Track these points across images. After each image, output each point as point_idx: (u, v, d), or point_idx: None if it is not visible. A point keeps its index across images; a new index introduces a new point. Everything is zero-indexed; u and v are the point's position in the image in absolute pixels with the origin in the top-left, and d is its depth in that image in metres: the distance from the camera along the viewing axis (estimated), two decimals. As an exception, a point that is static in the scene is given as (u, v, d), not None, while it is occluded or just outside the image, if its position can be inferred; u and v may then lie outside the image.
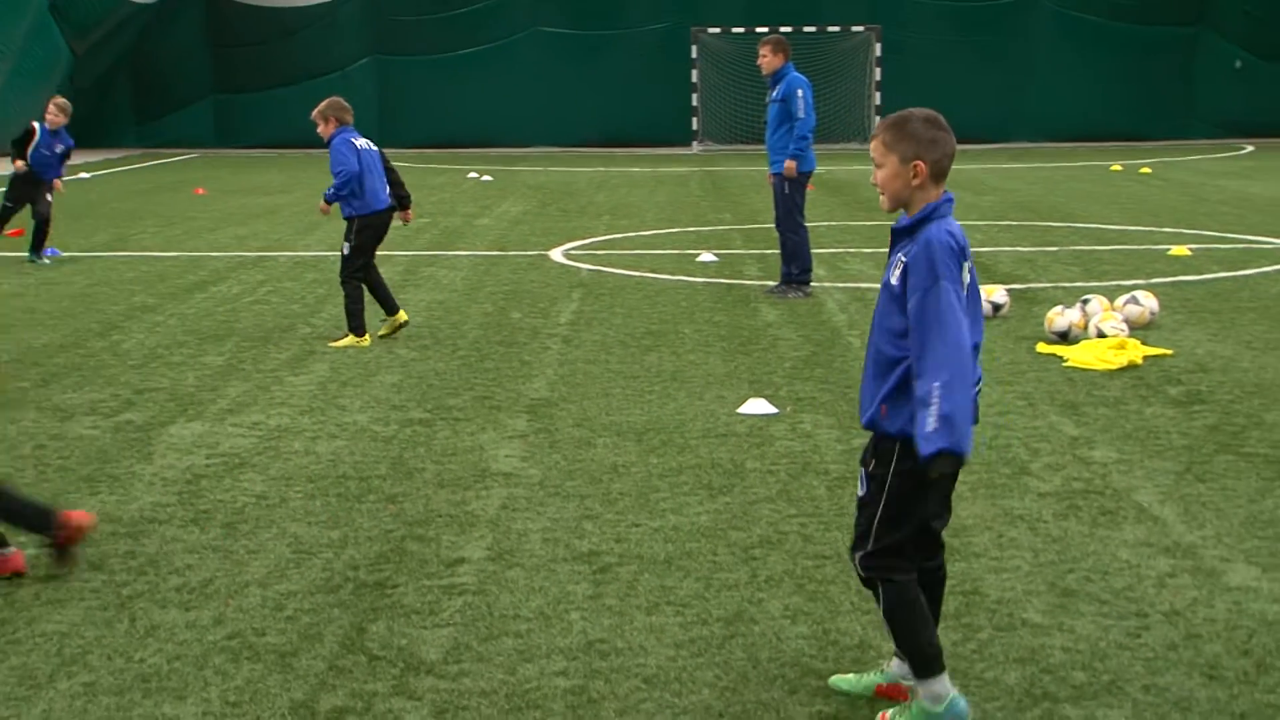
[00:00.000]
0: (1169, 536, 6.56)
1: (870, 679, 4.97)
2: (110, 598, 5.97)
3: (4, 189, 17.35)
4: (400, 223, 12.45)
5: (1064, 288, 14.07)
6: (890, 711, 4.72)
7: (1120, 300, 11.93)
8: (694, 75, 39.86)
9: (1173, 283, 14.09)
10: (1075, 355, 10.60)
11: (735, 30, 39.94)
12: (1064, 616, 5.60)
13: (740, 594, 5.91)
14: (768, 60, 13.77)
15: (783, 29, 39.54)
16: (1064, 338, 11.22)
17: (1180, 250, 16.51)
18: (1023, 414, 8.99)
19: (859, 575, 4.75)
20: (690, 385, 9.94)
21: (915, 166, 4.55)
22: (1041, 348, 11.01)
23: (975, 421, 4.53)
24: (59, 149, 17.19)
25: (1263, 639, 5.35)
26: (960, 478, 7.55)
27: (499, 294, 14.27)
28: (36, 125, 17.09)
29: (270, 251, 18.08)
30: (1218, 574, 6.05)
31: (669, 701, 4.91)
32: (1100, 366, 10.27)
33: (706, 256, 16.68)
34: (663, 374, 10.32)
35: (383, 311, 11.90)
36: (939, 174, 4.59)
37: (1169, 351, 10.79)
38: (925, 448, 4.40)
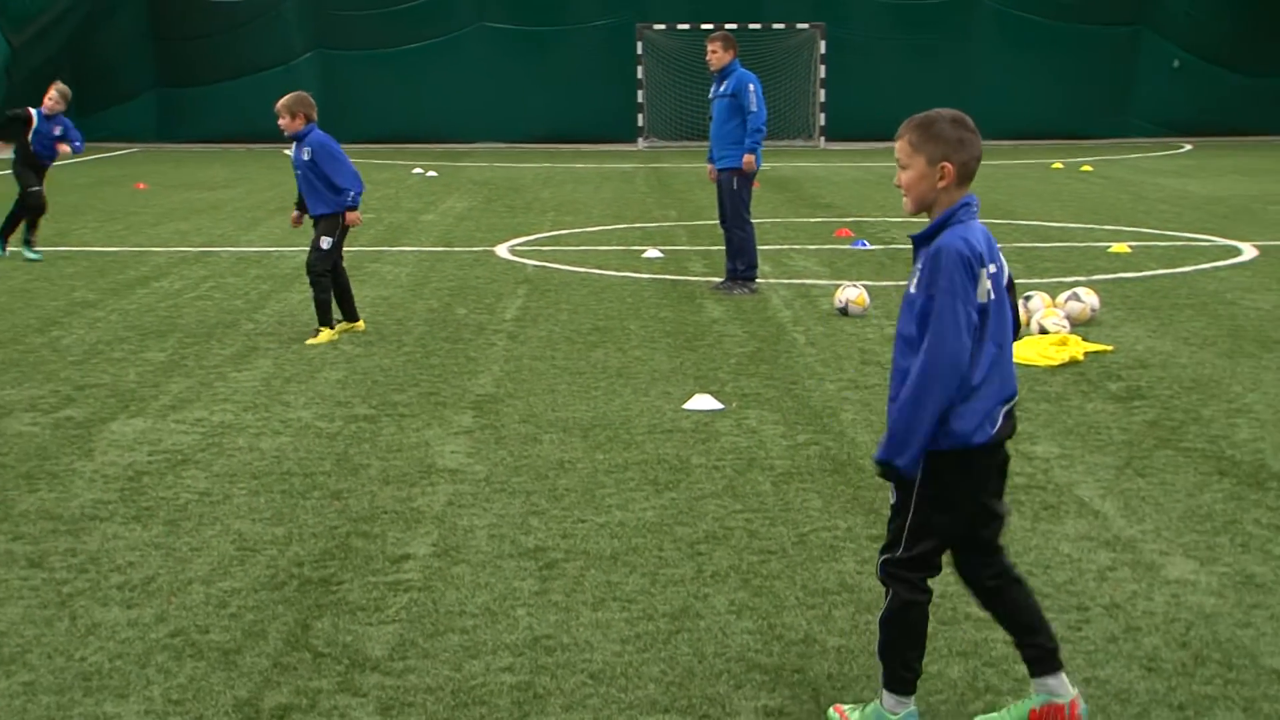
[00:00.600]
0: (1109, 530, 6.63)
1: (1021, 708, 4.64)
2: (50, 596, 5.91)
3: (28, 187, 16.64)
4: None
5: (1006, 284, 14.16)
6: (848, 707, 4.73)
7: (1062, 297, 12.04)
8: (639, 72, 39.87)
9: (1113, 279, 14.23)
10: (1017, 351, 10.61)
11: (680, 27, 39.99)
12: (1006, 610, 5.64)
13: (686, 589, 5.92)
14: (718, 56, 13.80)
15: (728, 26, 39.63)
16: (1006, 334, 11.29)
17: (1120, 248, 16.68)
18: (966, 410, 9.04)
19: (878, 576, 4.66)
20: (636, 381, 9.95)
21: (943, 168, 4.46)
22: (984, 344, 11.07)
23: (1010, 435, 4.50)
24: (57, 132, 16.85)
25: (1200, 631, 5.42)
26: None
27: (444, 290, 14.23)
28: (33, 111, 16.77)
29: (213, 247, 17.95)
30: (1157, 567, 6.12)
31: (615, 697, 4.92)
32: (1042, 362, 10.36)
33: (652, 253, 16.70)
34: (608, 370, 10.33)
35: (340, 314, 11.82)
36: (966, 176, 4.50)
37: (1109, 348, 10.90)
38: (877, 450, 4.47)
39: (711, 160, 14.32)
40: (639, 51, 39.90)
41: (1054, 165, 31.43)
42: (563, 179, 28.56)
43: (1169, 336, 11.45)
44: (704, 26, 39.77)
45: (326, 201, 11.63)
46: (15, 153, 16.91)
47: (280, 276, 15.30)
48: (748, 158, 13.71)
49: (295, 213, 12.13)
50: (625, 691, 4.96)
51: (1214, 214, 20.80)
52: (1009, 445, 4.62)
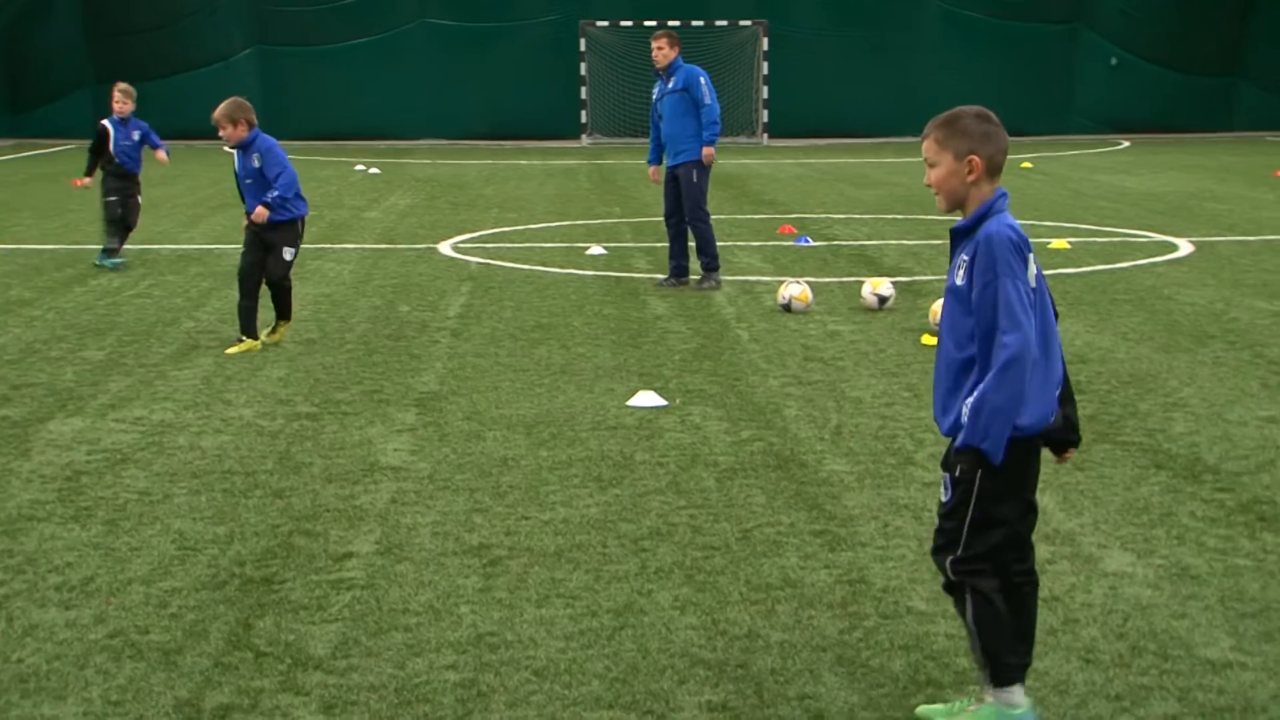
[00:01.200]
0: (1049, 524, 6.70)
1: (964, 704, 4.71)
2: (-12, 597, 5.85)
3: (105, 197, 15.87)
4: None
5: (947, 280, 14.26)
6: (943, 708, 4.67)
7: (1002, 293, 12.11)
8: (583, 68, 39.84)
9: (1052, 275, 14.35)
10: (958, 347, 10.73)
11: (624, 24, 39.99)
12: (948, 604, 5.66)
13: (630, 585, 5.93)
14: (664, 52, 13.80)
15: (671, 22, 39.63)
16: (947, 330, 11.37)
17: (1060, 243, 16.83)
18: (908, 405, 9.11)
19: (946, 579, 4.57)
20: (580, 378, 9.95)
21: (971, 162, 4.50)
22: (926, 339, 11.16)
23: (1050, 419, 4.47)
24: (136, 136, 16.13)
25: (1137, 623, 5.49)
26: (847, 468, 7.69)
27: (387, 287, 14.18)
28: (107, 122, 16.02)
29: (152, 245, 17.79)
30: (1095, 560, 6.19)
31: (559, 693, 4.92)
32: (983, 358, 10.42)
33: (596, 249, 16.70)
34: (552, 367, 10.33)
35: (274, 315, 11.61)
36: (994, 169, 4.53)
37: (1049, 343, 10.98)
38: (959, 439, 4.42)
39: (653, 161, 14.34)
40: (582, 48, 39.87)
41: (994, 162, 31.59)
42: (506, 176, 28.50)
43: (1107, 331, 11.57)
44: (647, 23, 39.81)
45: (289, 209, 11.38)
46: (102, 169, 16.02)
47: (221, 274, 15.19)
48: (708, 150, 13.77)
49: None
50: (569, 688, 4.96)
51: (1151, 210, 21.03)
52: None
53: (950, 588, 4.59)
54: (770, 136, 39.52)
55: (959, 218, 4.59)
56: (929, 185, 4.60)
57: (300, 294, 13.66)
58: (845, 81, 39.81)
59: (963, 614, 4.55)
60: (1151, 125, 40.82)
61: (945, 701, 4.81)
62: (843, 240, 17.80)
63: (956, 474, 4.47)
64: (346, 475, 7.60)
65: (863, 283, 13.05)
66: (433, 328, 11.95)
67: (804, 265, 15.50)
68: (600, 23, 40.14)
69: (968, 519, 4.46)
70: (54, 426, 8.70)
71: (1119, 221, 19.57)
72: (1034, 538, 6.50)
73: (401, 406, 9.15)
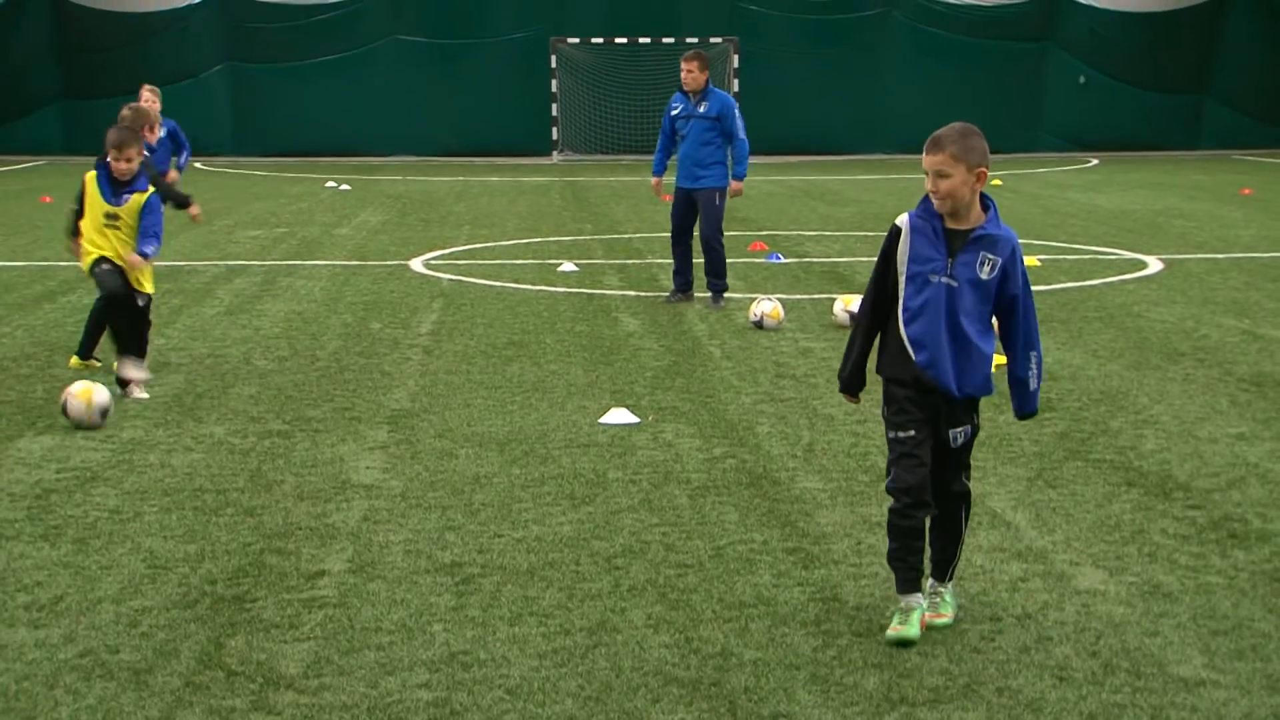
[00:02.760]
0: (1021, 541, 6.72)
1: (916, 615, 5.50)
2: (-44, 617, 5.80)
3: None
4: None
5: (919, 298, 14.30)
6: (928, 614, 5.58)
7: (973, 310, 12.17)
8: (554, 85, 39.88)
9: (1023, 293, 14.40)
10: (930, 364, 10.77)
11: (595, 41, 40.06)
12: (920, 621, 5.70)
13: (603, 604, 5.92)
14: (695, 76, 13.73)
15: (641, 40, 39.84)
16: (919, 347, 11.40)
17: (1030, 261, 16.89)
18: (880, 422, 9.10)
19: (967, 497, 5.75)
20: (552, 395, 9.94)
21: (979, 173, 5.36)
22: (897, 357, 11.18)
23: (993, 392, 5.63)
24: (161, 133, 16.01)
25: (1109, 640, 5.50)
26: (820, 486, 7.71)
27: (358, 304, 14.14)
28: None
29: (122, 261, 17.65)
30: (1067, 578, 6.20)
31: (532, 712, 4.90)
32: (954, 375, 10.46)
33: (567, 266, 16.70)
34: (524, 384, 10.31)
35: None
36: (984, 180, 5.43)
37: (1020, 360, 11.03)
38: (1028, 405, 5.65)
39: (658, 173, 14.37)
40: (553, 65, 39.92)
41: (964, 180, 31.75)
42: (477, 192, 28.49)
43: (1078, 349, 11.62)
44: (618, 40, 39.95)
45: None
46: None
47: (191, 291, 15.14)
48: (739, 186, 13.97)
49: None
50: (543, 707, 4.95)
51: (1121, 228, 21.15)
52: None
53: (954, 506, 5.69)
54: (741, 154, 39.57)
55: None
56: (934, 192, 5.39)
57: (271, 311, 13.63)
58: (815, 99, 39.94)
59: (964, 518, 5.75)
60: (1120, 143, 41.09)
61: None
62: (814, 257, 17.84)
63: (975, 424, 5.67)
64: (318, 493, 7.57)
65: (834, 300, 13.08)
66: (404, 345, 11.92)
67: (776, 282, 15.52)
68: (571, 40, 40.20)
69: (971, 446, 5.69)
70: (23, 444, 8.64)
71: (1089, 239, 19.68)
72: (1006, 556, 6.55)
73: (373, 424, 9.13)
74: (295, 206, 25.14)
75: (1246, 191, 27.47)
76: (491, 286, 15.33)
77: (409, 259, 17.66)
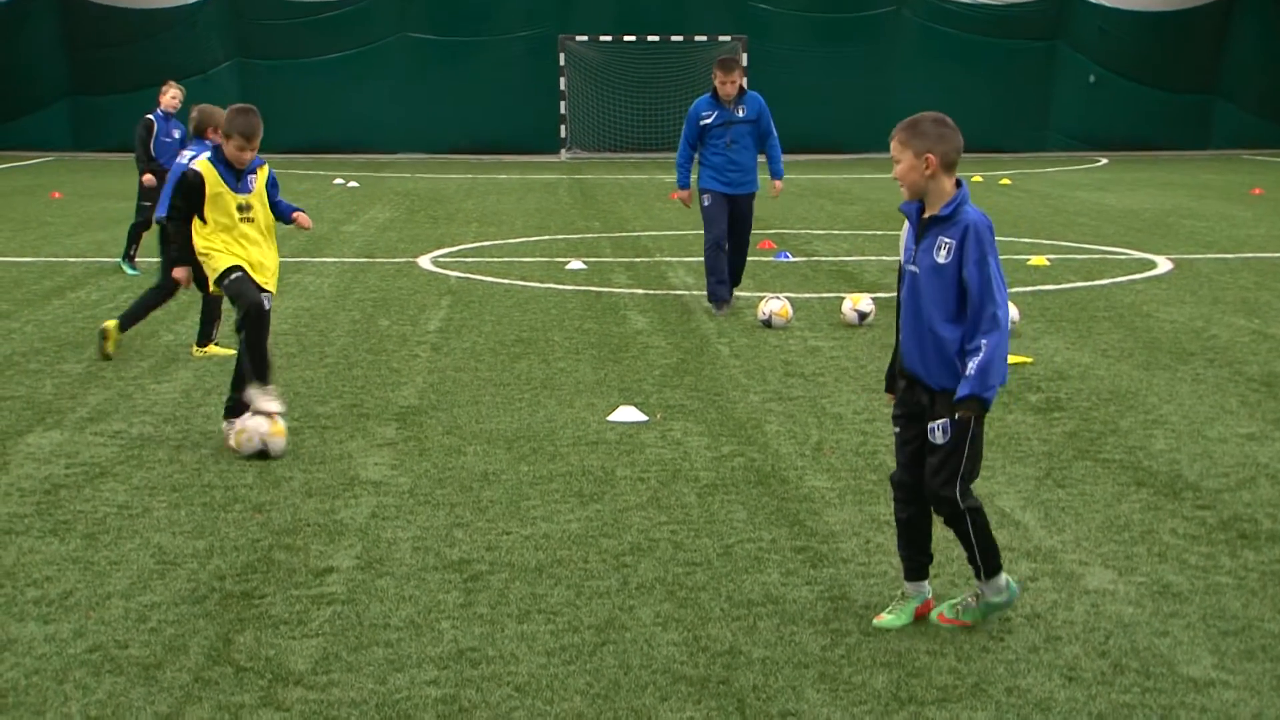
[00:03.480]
0: (1030, 541, 6.71)
1: (909, 606, 5.65)
2: (-35, 611, 5.81)
3: (143, 201, 15.95)
4: None
5: (927, 297, 14.29)
6: (945, 609, 5.61)
7: (982, 309, 12.15)
8: (562, 83, 39.89)
9: (1032, 292, 14.40)
10: (939, 363, 10.76)
11: (603, 38, 40.06)
12: (929, 621, 5.69)
13: (611, 601, 5.92)
14: (738, 84, 13.47)
15: (650, 38, 39.83)
16: (928, 346, 11.39)
17: (1039, 260, 16.88)
18: (889, 421, 9.10)
19: (952, 507, 5.50)
20: (560, 393, 9.94)
21: (927, 159, 5.45)
22: (906, 356, 11.17)
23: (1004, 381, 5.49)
24: (177, 134, 16.05)
25: (1119, 640, 5.49)
26: (828, 484, 7.70)
27: (367, 301, 14.15)
28: (152, 117, 16.03)
29: (131, 257, 17.69)
30: (1076, 577, 6.19)
31: (540, 709, 4.90)
32: (963, 374, 10.45)
33: (575, 264, 16.69)
34: (532, 381, 10.31)
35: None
36: (949, 165, 5.48)
37: (1029, 359, 11.03)
38: (961, 389, 5.37)
39: (685, 185, 13.89)
40: (561, 63, 39.91)
41: (974, 178, 31.75)
42: (486, 190, 28.49)
43: (1087, 349, 11.60)
44: (626, 38, 39.92)
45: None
46: (138, 163, 16.06)
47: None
48: (780, 184, 13.96)
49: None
50: (551, 704, 4.94)
51: (1130, 227, 21.12)
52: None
53: (955, 516, 5.52)
54: (750, 152, 39.55)
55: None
56: (895, 178, 5.56)
57: (280, 308, 13.62)
58: (824, 97, 39.89)
59: (964, 533, 5.55)
60: (1129, 143, 41.03)
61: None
62: (823, 256, 17.83)
63: (956, 418, 5.41)
64: (327, 489, 7.58)
65: (843, 299, 13.07)
66: (413, 342, 11.93)
67: (784, 281, 15.51)
68: (579, 37, 40.20)
69: (965, 454, 5.45)
70: (32, 440, 8.65)
71: (1098, 239, 19.65)
72: (1015, 555, 6.54)
73: (382, 421, 9.13)
74: (304, 203, 25.07)
75: (1257, 191, 27.42)
76: (499, 284, 15.33)
77: (417, 256, 17.66)
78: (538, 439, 8.64)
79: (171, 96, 16.20)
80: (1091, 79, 41.64)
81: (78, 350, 11.52)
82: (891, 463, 8.10)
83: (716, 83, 13.44)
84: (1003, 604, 5.61)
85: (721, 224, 13.45)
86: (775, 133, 13.63)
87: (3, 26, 39.37)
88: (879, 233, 20.58)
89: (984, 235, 5.38)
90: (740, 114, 13.47)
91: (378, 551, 6.56)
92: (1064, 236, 19.96)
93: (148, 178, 16.17)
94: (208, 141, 11.14)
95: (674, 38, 39.47)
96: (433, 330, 12.48)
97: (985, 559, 5.55)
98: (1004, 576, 5.60)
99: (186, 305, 13.84)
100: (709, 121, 13.52)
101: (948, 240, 5.41)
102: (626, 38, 39.92)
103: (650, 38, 39.80)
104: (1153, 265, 16.82)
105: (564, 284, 15.35)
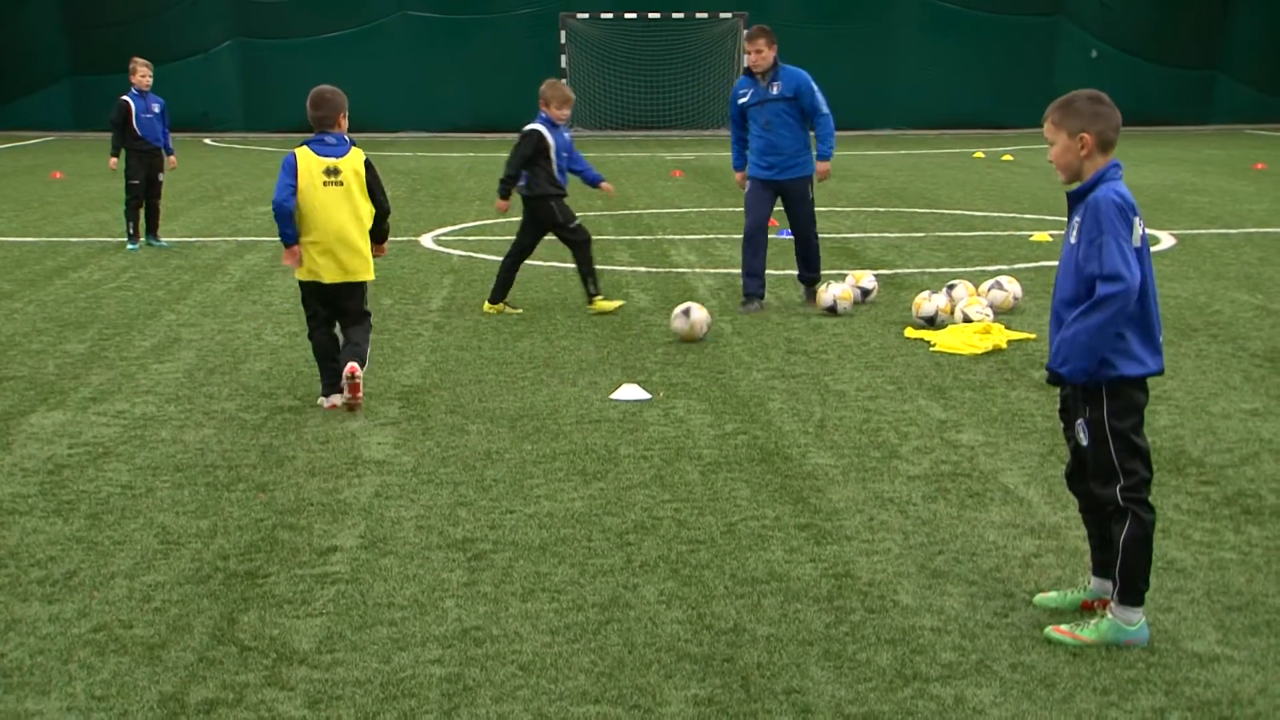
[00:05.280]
0: (1034, 518, 6.70)
1: (1075, 596, 5.52)
2: (-30, 592, 5.81)
3: (131, 180, 16.29)
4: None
5: (930, 273, 14.29)
6: (1068, 626, 5.28)
7: (985, 285, 12.15)
8: (563, 60, 39.80)
9: (1035, 268, 14.38)
10: (942, 340, 10.77)
11: (604, 16, 39.98)
12: (934, 597, 5.70)
13: (615, 579, 5.92)
14: (765, 55, 12.24)
15: (651, 15, 39.76)
16: (931, 322, 11.40)
17: (1042, 236, 16.85)
18: (892, 398, 9.12)
19: (1114, 506, 5.18)
20: (563, 371, 9.93)
21: (1082, 139, 5.25)
22: (909, 332, 11.17)
23: (1162, 368, 5.21)
24: (157, 109, 16.45)
25: (1124, 616, 5.48)
26: (831, 461, 7.69)
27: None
28: (127, 97, 16.32)
29: (132, 237, 17.69)
30: (1080, 554, 6.18)
31: (545, 688, 4.90)
32: (966, 351, 10.45)
33: (578, 242, 16.63)
34: (535, 360, 10.30)
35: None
36: (1105, 145, 5.26)
37: (1032, 336, 11.02)
38: (1048, 362, 5.21)
39: (740, 167, 12.63)
40: (562, 40, 39.82)
41: (976, 154, 31.70)
42: (487, 168, 28.44)
43: (1090, 325, 11.56)
44: (627, 16, 39.84)
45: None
46: (126, 148, 16.41)
47: (202, 267, 15.13)
48: (825, 166, 12.50)
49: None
50: (555, 682, 4.95)
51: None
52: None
53: (1115, 513, 5.20)
54: (751, 129, 39.50)
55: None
56: (1050, 161, 5.35)
57: (282, 287, 13.62)
58: (825, 74, 39.19)
59: (1116, 537, 5.20)
60: (1131, 118, 40.40)
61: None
62: (824, 233, 17.76)
63: (1087, 417, 5.20)
64: (330, 469, 7.58)
65: (845, 275, 13.04)
66: (415, 321, 11.92)
67: (786, 258, 15.47)
68: (580, 15, 40.11)
69: (1113, 450, 5.16)
70: (35, 420, 8.65)
71: (1100, 214, 19.57)
72: (1019, 532, 6.53)
73: (385, 400, 9.12)
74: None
75: (1260, 166, 27.36)
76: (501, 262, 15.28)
77: (420, 235, 17.64)
78: (540, 417, 8.63)
79: (141, 76, 16.48)
80: (1093, 54, 41.54)
81: (80, 330, 11.52)
82: (894, 438, 8.13)
83: (749, 55, 12.43)
84: (1122, 641, 5.17)
85: (757, 213, 12.41)
86: (825, 109, 12.32)
87: (3, 6, 39.28)
88: (881, 210, 20.54)
89: (1104, 211, 5.08)
90: (774, 91, 12.31)
91: (381, 531, 6.56)
92: (1067, 212, 19.89)
93: (113, 161, 16.48)
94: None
95: (675, 15, 39.39)
96: (435, 309, 12.46)
97: (1125, 577, 5.19)
98: (1139, 615, 5.21)
99: (188, 285, 13.83)
100: (745, 100, 12.48)
101: (1077, 219, 5.22)
102: (627, 15, 39.83)
103: (651, 15, 39.70)
104: (1156, 241, 16.78)
105: (566, 262, 15.31)
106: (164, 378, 9.81)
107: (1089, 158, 5.24)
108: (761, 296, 12.48)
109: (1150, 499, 5.24)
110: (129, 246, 16.29)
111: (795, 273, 12.95)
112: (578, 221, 12.47)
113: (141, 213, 16.45)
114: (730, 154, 12.94)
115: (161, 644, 5.27)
